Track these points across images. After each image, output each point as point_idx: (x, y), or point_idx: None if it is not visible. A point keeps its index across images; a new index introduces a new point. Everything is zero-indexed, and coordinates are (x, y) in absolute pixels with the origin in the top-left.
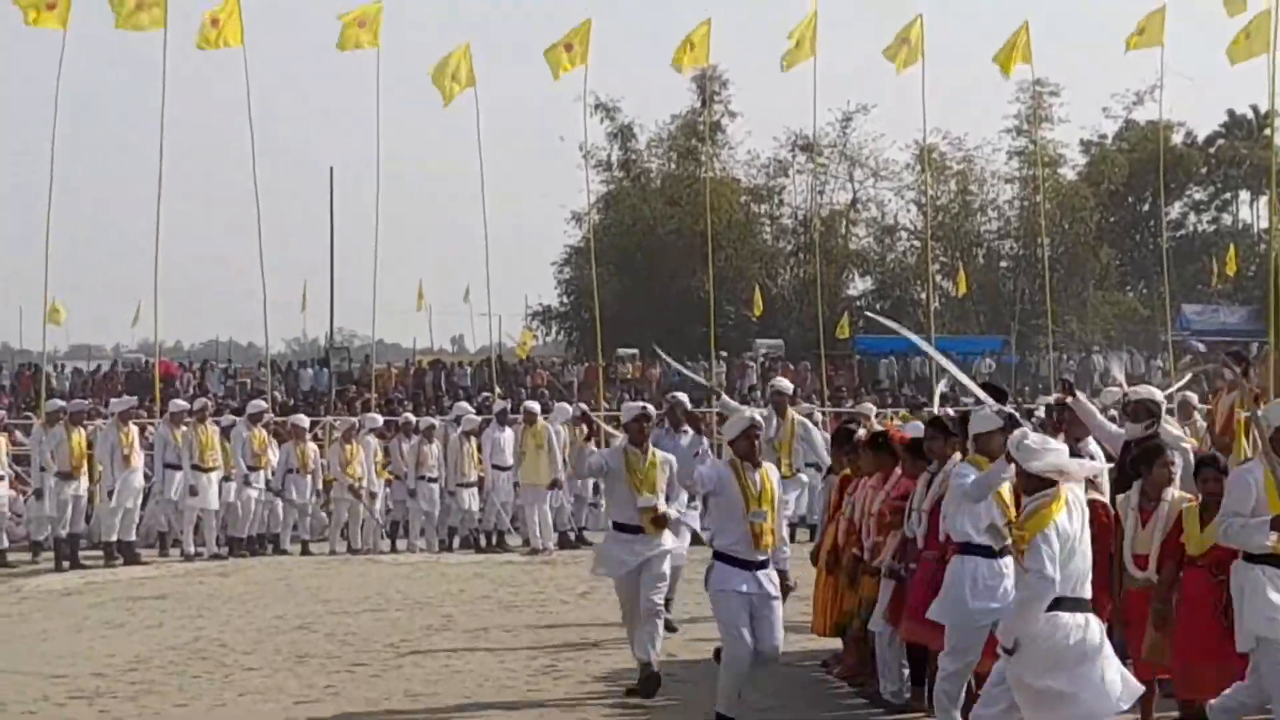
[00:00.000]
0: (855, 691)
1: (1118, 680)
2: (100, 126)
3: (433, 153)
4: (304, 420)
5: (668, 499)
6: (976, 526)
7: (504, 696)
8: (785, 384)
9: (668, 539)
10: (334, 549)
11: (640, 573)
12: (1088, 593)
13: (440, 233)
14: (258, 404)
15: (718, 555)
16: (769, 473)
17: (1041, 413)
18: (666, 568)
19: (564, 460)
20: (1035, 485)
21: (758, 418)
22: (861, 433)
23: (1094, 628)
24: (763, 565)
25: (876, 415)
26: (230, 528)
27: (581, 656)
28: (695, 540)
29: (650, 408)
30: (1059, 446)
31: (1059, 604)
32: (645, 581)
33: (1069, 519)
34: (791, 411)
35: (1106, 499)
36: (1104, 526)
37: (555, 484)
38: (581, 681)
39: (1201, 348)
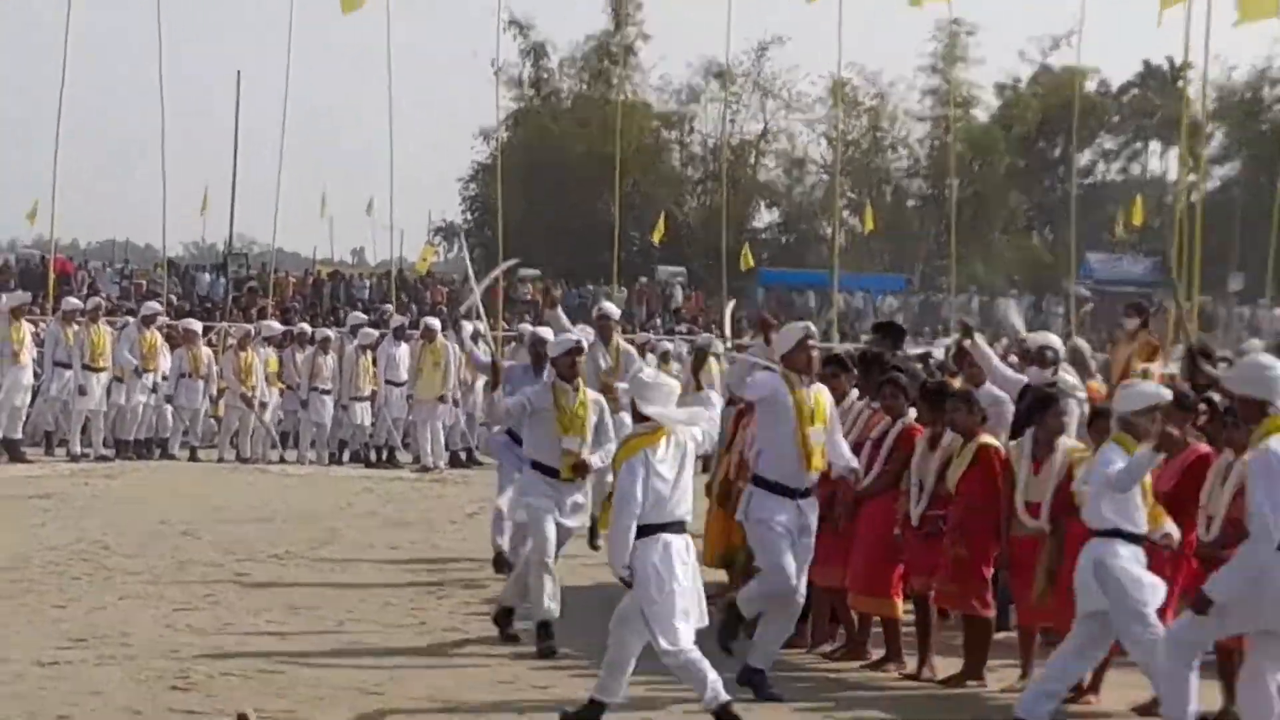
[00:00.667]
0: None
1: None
2: (0, 20)
3: (342, 62)
4: (197, 325)
5: (595, 444)
6: (1123, 513)
7: (386, 615)
8: (612, 308)
9: (585, 491)
10: (223, 456)
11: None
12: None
13: (346, 144)
14: (152, 305)
15: (757, 481)
16: (822, 391)
17: (940, 354)
18: (577, 523)
19: (459, 378)
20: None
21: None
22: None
23: (679, 545)
24: (806, 493)
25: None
26: (118, 430)
27: (467, 576)
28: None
29: (584, 341)
30: (669, 390)
31: (662, 528)
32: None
33: (663, 451)
34: (618, 338)
35: (1000, 444)
36: (997, 471)
37: (445, 399)
38: (465, 602)
39: (1086, 293)
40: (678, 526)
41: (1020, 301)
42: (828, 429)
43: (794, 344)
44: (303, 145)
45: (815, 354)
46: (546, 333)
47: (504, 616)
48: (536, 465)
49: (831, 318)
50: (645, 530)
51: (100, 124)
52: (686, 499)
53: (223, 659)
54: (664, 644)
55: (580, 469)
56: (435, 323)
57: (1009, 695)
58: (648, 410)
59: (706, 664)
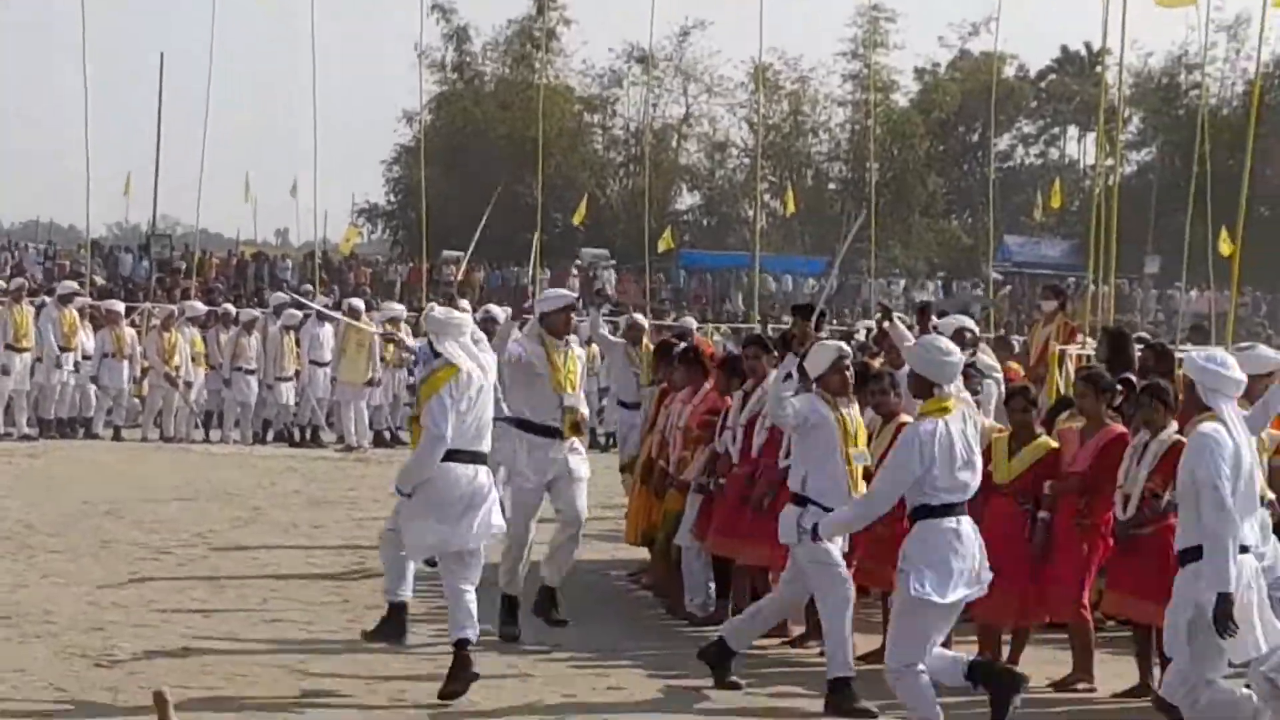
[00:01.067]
0: (660, 603)
1: (485, 522)
2: None
3: (266, 44)
4: (119, 305)
5: None
6: None
7: (309, 593)
8: (499, 311)
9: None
10: (146, 436)
11: (557, 482)
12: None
13: (270, 125)
14: (68, 285)
15: (804, 501)
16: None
17: (862, 336)
18: (587, 469)
19: (382, 360)
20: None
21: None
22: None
23: (481, 477)
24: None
25: (698, 329)
26: (41, 409)
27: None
28: None
29: (576, 297)
30: (459, 325)
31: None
32: (577, 491)
33: (463, 385)
34: (646, 341)
35: None
36: None
37: (372, 382)
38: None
39: (999, 276)
40: (476, 457)
41: (929, 284)
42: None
43: (828, 366)
44: (226, 127)
45: (849, 374)
46: (497, 311)
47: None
48: (527, 425)
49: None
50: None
51: (24, 105)
52: (485, 433)
53: (146, 637)
54: (408, 540)
55: (579, 426)
56: (359, 304)
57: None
58: (439, 346)
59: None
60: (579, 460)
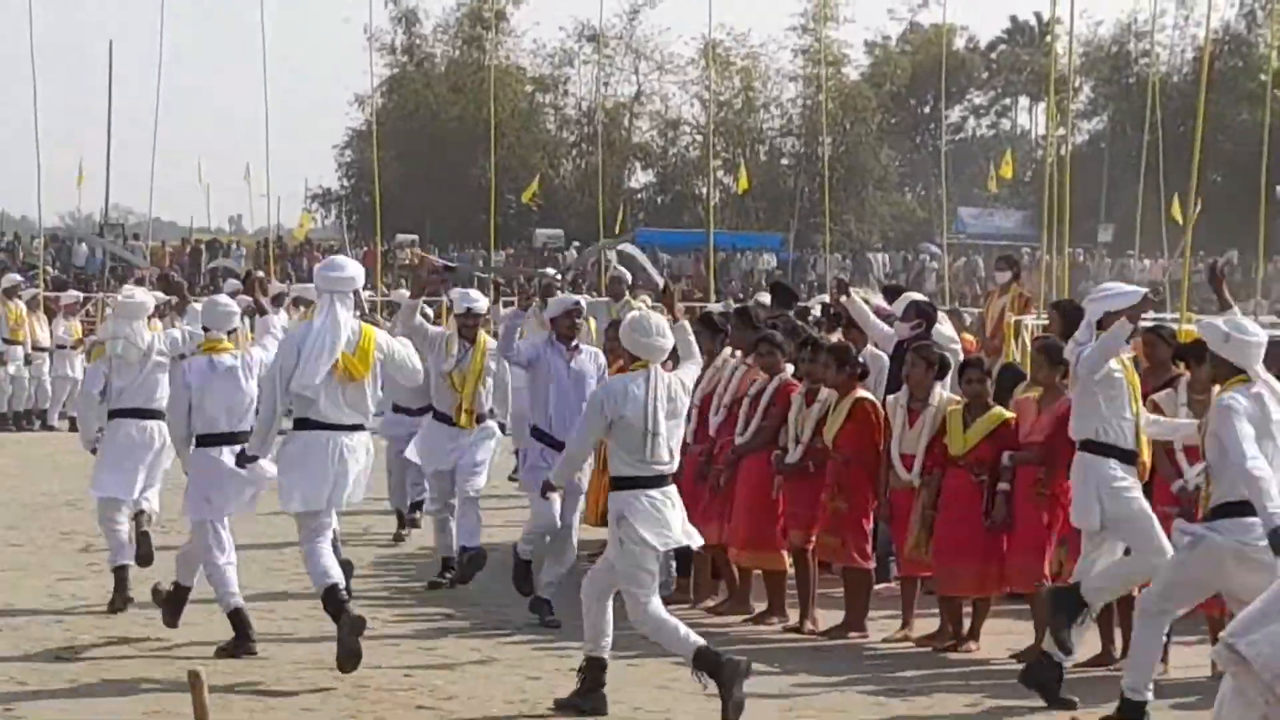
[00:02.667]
0: None
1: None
2: None
3: (216, 30)
4: (76, 295)
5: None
6: None
7: (272, 579)
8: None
9: None
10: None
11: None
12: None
13: (221, 111)
14: (12, 277)
15: None
16: None
17: (818, 311)
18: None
19: None
20: None
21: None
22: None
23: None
24: None
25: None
26: None
27: (351, 536)
28: None
29: (582, 302)
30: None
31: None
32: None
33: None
34: (484, 336)
35: (876, 399)
36: (873, 425)
37: None
38: (355, 555)
39: (936, 249)
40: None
41: (879, 258)
42: None
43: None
44: (178, 114)
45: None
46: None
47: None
48: (540, 434)
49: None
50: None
51: None
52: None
53: (109, 628)
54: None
55: None
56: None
57: (890, 646)
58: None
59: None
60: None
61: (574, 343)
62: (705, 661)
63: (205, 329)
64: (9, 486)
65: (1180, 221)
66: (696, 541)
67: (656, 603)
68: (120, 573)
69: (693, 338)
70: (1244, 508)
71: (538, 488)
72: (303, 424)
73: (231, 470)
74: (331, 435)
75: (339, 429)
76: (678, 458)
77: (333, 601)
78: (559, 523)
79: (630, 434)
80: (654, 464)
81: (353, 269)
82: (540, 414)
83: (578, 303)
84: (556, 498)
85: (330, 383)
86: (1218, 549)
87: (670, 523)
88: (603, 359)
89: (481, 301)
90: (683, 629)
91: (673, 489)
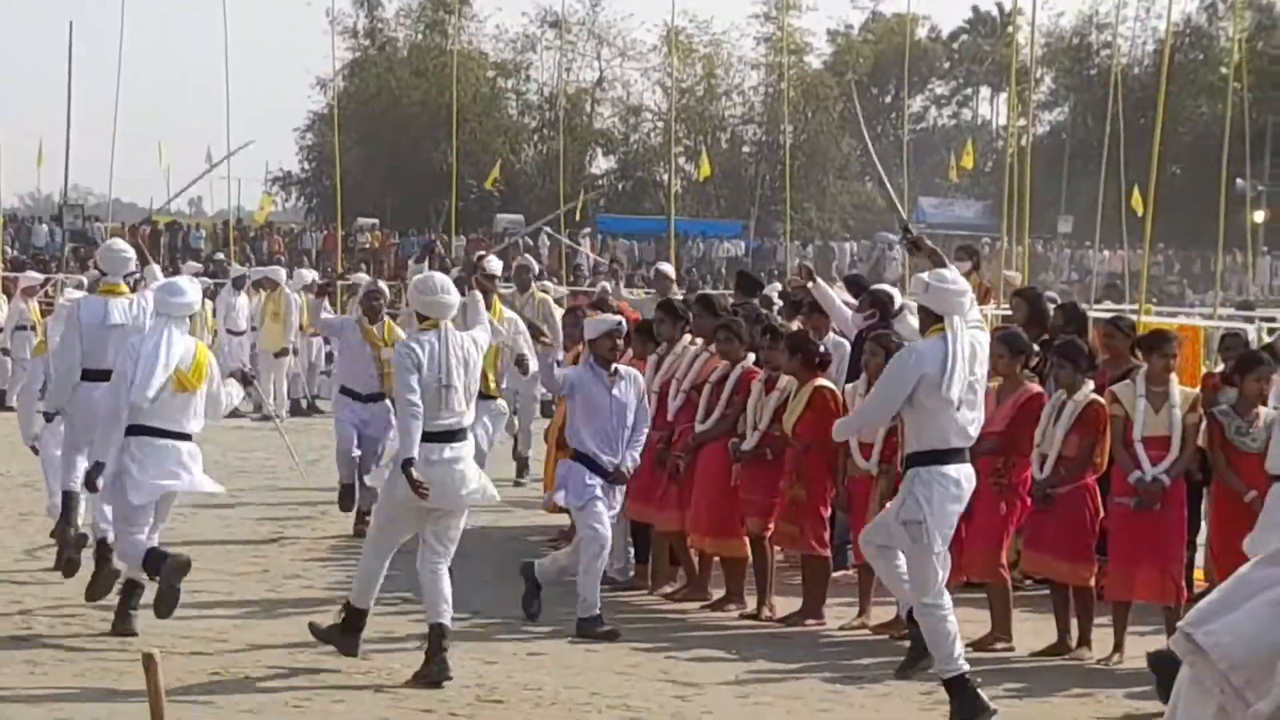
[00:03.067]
0: None
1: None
2: None
3: (178, 10)
4: (37, 276)
5: None
6: None
7: (228, 564)
8: (495, 264)
9: None
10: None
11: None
12: None
13: (182, 93)
14: None
15: None
16: None
17: (776, 298)
18: None
19: (300, 328)
20: None
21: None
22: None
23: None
24: None
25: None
26: None
27: (309, 524)
28: None
29: (624, 322)
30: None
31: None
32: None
33: None
34: (497, 303)
35: (836, 386)
36: (832, 413)
37: (285, 351)
38: (308, 549)
39: (893, 238)
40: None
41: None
42: None
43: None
44: (138, 95)
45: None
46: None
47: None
48: (583, 457)
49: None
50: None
51: None
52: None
53: (66, 614)
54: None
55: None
56: (279, 273)
57: (847, 634)
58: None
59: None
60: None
61: (613, 367)
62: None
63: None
64: None
65: (1139, 213)
66: (490, 497)
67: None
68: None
69: (482, 308)
70: None
71: (592, 510)
72: (138, 430)
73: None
74: (168, 442)
75: (175, 436)
76: (472, 409)
77: (151, 560)
78: (609, 542)
79: (427, 391)
80: (445, 416)
81: (191, 294)
82: (583, 439)
83: (620, 323)
84: (607, 516)
85: (167, 394)
86: None
87: (452, 483)
88: (643, 381)
89: (497, 263)
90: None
91: (463, 444)
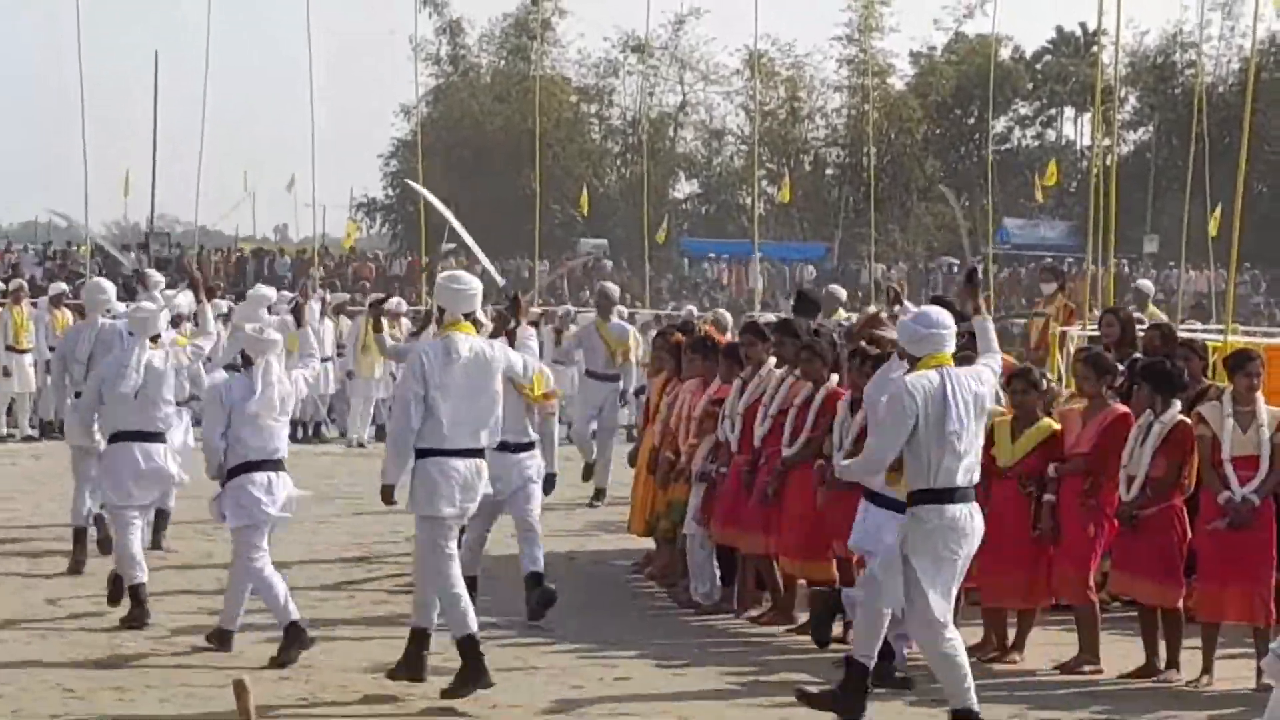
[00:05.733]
0: (666, 592)
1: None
2: None
3: (262, 40)
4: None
5: None
6: None
7: (315, 586)
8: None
9: None
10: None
11: None
12: None
13: (267, 121)
14: (58, 285)
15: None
16: None
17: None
18: None
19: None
20: None
21: None
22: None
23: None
24: None
25: (697, 319)
26: (41, 410)
27: (396, 549)
28: None
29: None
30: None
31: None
32: None
33: None
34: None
35: None
36: None
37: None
38: (393, 574)
39: (957, 262)
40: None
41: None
42: None
43: None
44: (223, 124)
45: None
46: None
47: None
48: None
49: (755, 287)
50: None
51: (20, 106)
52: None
53: (153, 635)
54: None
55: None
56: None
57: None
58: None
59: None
60: None
61: None
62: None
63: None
64: (55, 494)
65: (1214, 235)
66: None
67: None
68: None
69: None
70: None
71: None
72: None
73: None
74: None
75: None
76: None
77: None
78: None
79: None
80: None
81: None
82: None
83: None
84: None
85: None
86: None
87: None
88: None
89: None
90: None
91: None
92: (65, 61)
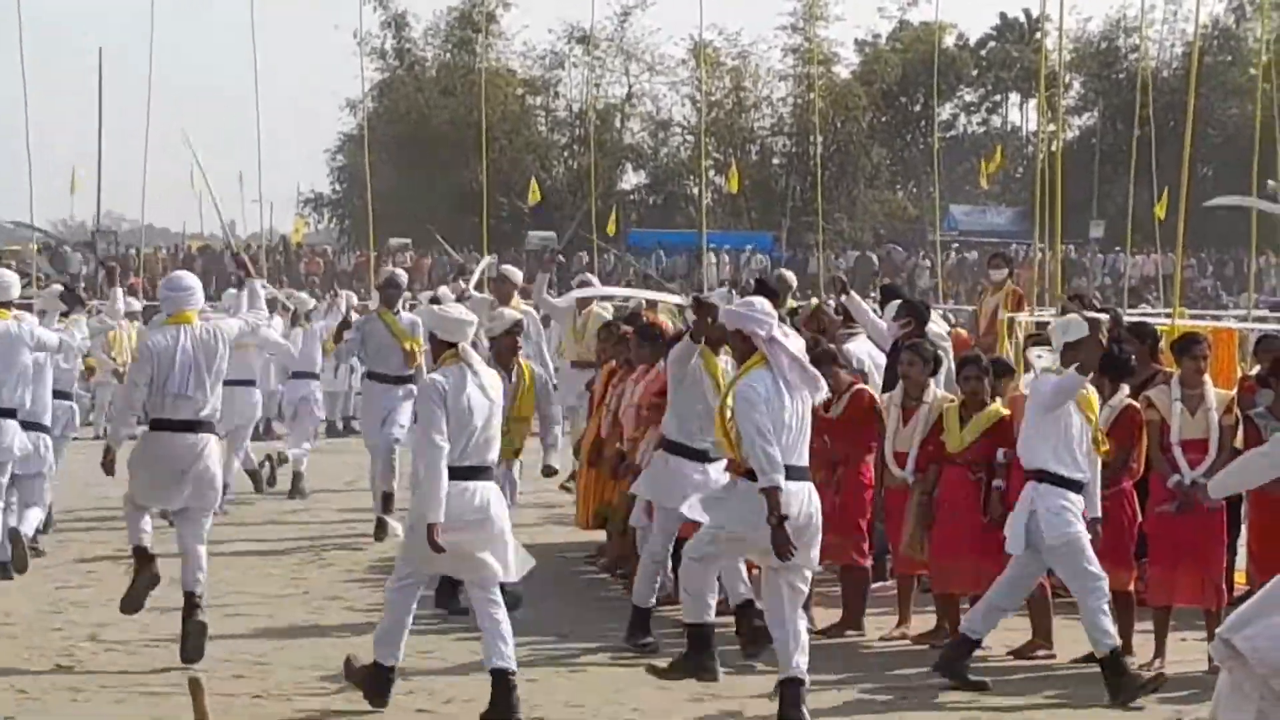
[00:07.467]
0: (620, 582)
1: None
2: None
3: (206, 36)
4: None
5: None
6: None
7: (268, 586)
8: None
9: None
10: (99, 434)
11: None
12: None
13: (212, 117)
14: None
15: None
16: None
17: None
18: None
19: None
20: None
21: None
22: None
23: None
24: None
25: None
26: None
27: (348, 545)
28: None
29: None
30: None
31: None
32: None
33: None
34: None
35: (876, 395)
36: (876, 420)
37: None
38: (348, 569)
39: (905, 251)
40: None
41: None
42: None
43: None
44: (169, 120)
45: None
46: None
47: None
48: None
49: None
50: None
51: None
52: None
53: (106, 637)
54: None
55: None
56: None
57: (887, 644)
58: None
59: None
60: None
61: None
62: None
63: None
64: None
65: (1161, 218)
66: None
67: None
68: None
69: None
70: None
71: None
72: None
73: None
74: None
75: None
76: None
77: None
78: None
79: None
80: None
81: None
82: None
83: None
84: None
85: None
86: None
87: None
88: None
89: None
90: None
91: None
92: (6, 59)
